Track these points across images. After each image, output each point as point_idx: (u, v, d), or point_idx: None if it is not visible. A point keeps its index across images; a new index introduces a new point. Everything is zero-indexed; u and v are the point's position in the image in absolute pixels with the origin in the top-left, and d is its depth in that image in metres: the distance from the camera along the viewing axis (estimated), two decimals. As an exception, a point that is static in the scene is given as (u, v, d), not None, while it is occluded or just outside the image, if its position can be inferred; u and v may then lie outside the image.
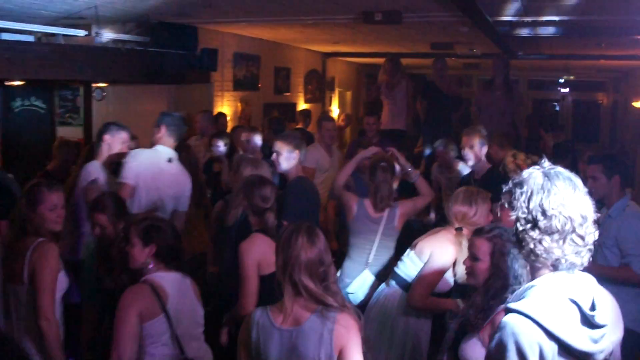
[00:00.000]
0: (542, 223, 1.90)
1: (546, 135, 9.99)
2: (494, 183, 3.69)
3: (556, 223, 1.88)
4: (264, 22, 7.75)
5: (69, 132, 8.10)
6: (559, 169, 1.98)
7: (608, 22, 6.88)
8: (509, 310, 1.89)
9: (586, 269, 1.96)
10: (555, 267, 1.93)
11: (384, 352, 3.96)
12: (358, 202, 4.64)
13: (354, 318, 2.54)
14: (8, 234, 3.56)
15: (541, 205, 1.90)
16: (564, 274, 1.92)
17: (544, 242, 1.90)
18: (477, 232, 3.05)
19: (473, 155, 5.10)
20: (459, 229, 3.80)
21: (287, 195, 4.47)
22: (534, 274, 1.99)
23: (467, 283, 3.25)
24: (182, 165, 4.88)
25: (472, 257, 3.00)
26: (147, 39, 7.08)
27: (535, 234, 1.91)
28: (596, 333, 1.85)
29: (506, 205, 2.02)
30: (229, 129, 7.86)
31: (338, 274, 4.29)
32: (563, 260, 1.91)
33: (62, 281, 3.40)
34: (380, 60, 13.21)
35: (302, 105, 11.64)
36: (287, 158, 4.58)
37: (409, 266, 3.94)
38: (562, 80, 16.63)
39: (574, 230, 1.89)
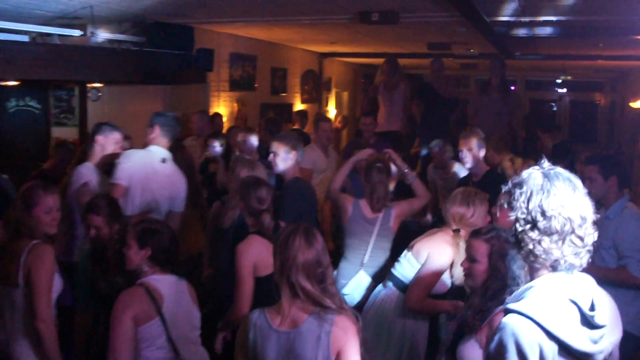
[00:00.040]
0: (541, 224, 1.90)
1: (543, 135, 10.02)
2: (493, 185, 3.69)
3: (555, 224, 1.88)
4: (260, 22, 7.74)
5: (64, 133, 8.09)
6: (559, 169, 1.98)
7: (606, 22, 6.89)
8: (508, 311, 1.89)
9: (583, 270, 1.96)
10: (554, 268, 1.93)
11: (380, 354, 3.96)
12: (353, 203, 4.65)
13: (352, 320, 2.53)
14: (2, 235, 3.54)
15: (541, 206, 1.90)
16: (563, 275, 1.93)
17: (543, 243, 1.91)
18: (475, 234, 3.05)
19: (471, 157, 5.10)
20: (456, 231, 3.80)
21: (283, 196, 4.47)
22: (532, 274, 1.99)
23: (464, 285, 3.25)
24: (177, 165, 4.87)
25: (470, 259, 3.00)
26: (142, 39, 7.07)
27: (534, 234, 1.92)
28: (596, 333, 1.85)
29: (505, 206, 2.02)
30: (225, 130, 7.86)
31: (334, 274, 4.29)
32: (562, 261, 1.91)
33: (57, 283, 3.39)
34: (377, 61, 13.23)
35: (298, 106, 11.63)
36: (284, 159, 4.59)
37: (406, 267, 3.95)
38: (559, 81, 16.66)
39: (573, 231, 1.89)
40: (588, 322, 1.84)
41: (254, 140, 6.15)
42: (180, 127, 8.34)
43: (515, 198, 1.96)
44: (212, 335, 3.60)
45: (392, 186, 5.58)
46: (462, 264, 3.11)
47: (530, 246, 1.93)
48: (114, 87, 8.12)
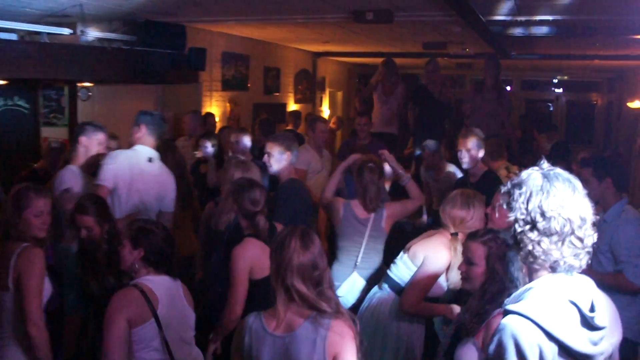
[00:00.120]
0: (541, 224, 1.91)
1: (540, 136, 10.07)
2: (491, 186, 3.71)
3: (555, 224, 1.89)
4: (253, 21, 7.75)
5: (54, 133, 8.06)
6: (558, 170, 1.99)
7: (602, 21, 6.93)
8: (507, 312, 1.90)
9: (581, 274, 1.97)
10: (553, 269, 1.94)
11: (376, 357, 3.96)
12: (344, 204, 4.67)
13: (349, 324, 2.51)
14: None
15: (540, 207, 1.91)
16: (563, 276, 1.94)
17: (542, 244, 1.91)
18: (472, 236, 3.06)
19: (469, 157, 5.10)
20: (454, 234, 3.80)
21: (278, 198, 4.47)
22: (531, 275, 1.99)
23: (460, 288, 3.26)
24: (168, 166, 4.85)
25: (468, 262, 3.01)
26: (133, 38, 7.05)
27: (533, 235, 1.92)
28: (596, 335, 1.86)
29: (504, 207, 2.02)
30: (217, 130, 7.86)
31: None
32: (562, 262, 1.92)
33: (47, 287, 3.37)
34: (372, 61, 13.26)
35: (292, 106, 11.64)
36: (278, 159, 4.60)
37: (402, 269, 3.95)
38: (555, 81, 16.72)
39: (573, 232, 1.90)
40: (588, 324, 1.85)
41: (246, 140, 6.15)
42: (172, 127, 8.41)
43: (515, 199, 1.97)
44: (203, 338, 3.60)
45: (387, 187, 5.62)
46: (459, 267, 3.11)
47: (530, 247, 1.94)
48: (104, 87, 8.10)
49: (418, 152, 8.02)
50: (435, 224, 4.41)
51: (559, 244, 1.91)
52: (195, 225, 5.52)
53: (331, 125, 10.88)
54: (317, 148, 6.53)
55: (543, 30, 7.61)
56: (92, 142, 4.59)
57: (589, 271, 2.02)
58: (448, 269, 3.82)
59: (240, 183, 3.77)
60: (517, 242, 1.98)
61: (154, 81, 7.38)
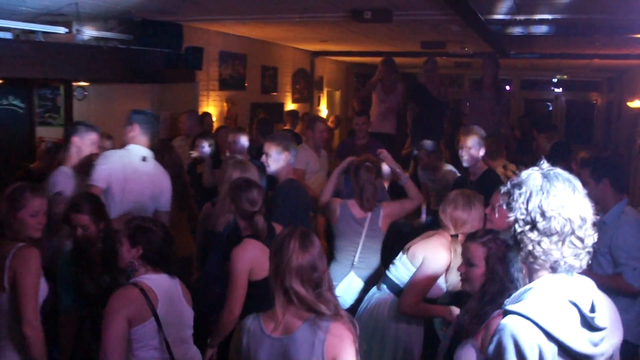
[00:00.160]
0: (541, 224, 1.91)
1: (539, 136, 10.07)
2: (491, 185, 3.71)
3: (555, 224, 1.90)
4: (250, 19, 7.74)
5: (49, 133, 8.05)
6: (558, 170, 1.99)
7: (602, 20, 6.93)
8: (507, 312, 1.90)
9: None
10: (554, 269, 1.94)
11: (374, 358, 3.96)
12: (341, 204, 4.70)
13: (348, 327, 2.49)
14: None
15: (540, 207, 1.91)
16: (563, 276, 1.94)
17: (542, 244, 1.92)
18: (472, 237, 3.05)
19: (469, 155, 5.10)
20: (455, 236, 3.80)
21: (276, 198, 4.47)
22: (531, 276, 2.00)
23: (459, 290, 3.25)
24: (165, 166, 4.84)
25: (467, 263, 3.01)
26: (129, 37, 7.05)
27: (534, 235, 1.93)
28: (596, 336, 1.86)
29: (504, 207, 2.03)
30: (214, 130, 7.86)
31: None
32: (562, 262, 1.92)
33: (43, 288, 3.36)
34: (370, 60, 13.26)
35: (289, 105, 11.64)
36: (275, 159, 4.61)
37: (401, 270, 3.95)
38: (555, 80, 16.74)
39: (573, 232, 1.91)
40: (588, 324, 1.86)
41: (244, 140, 6.15)
42: (169, 127, 8.40)
43: (515, 199, 1.97)
44: (201, 340, 3.59)
45: (386, 187, 5.62)
46: (459, 269, 3.11)
47: (530, 247, 1.94)
48: (100, 86, 8.09)
49: (416, 152, 8.03)
50: (435, 223, 4.42)
51: (559, 244, 1.91)
52: (192, 226, 5.52)
53: (329, 124, 10.89)
54: (315, 148, 6.54)
55: (542, 29, 7.61)
56: (84, 143, 4.57)
57: (588, 273, 2.03)
58: (447, 270, 3.82)
59: (237, 183, 3.77)
60: (517, 243, 1.99)
61: (151, 80, 7.37)
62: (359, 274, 4.58)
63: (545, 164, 2.02)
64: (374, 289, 4.18)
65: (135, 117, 4.65)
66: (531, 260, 1.96)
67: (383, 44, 10.42)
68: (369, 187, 4.59)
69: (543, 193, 1.92)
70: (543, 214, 1.91)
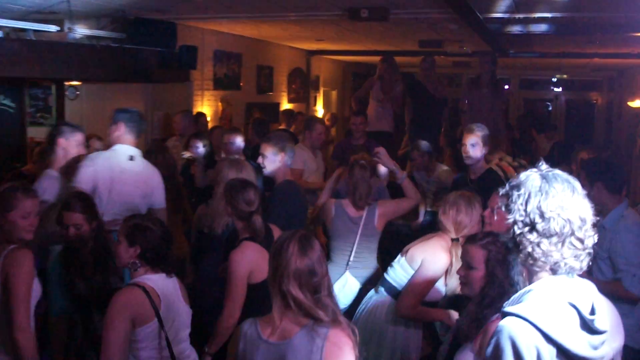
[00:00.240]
0: (540, 226, 1.91)
1: (538, 136, 10.08)
2: (491, 186, 3.70)
3: (554, 225, 1.90)
4: (246, 18, 7.74)
5: (40, 133, 8.01)
6: (557, 171, 2.00)
7: (602, 19, 6.95)
8: (505, 314, 1.90)
9: None
10: (554, 271, 1.94)
11: (372, 362, 3.96)
12: (335, 204, 4.72)
13: (347, 334, 2.46)
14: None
15: (539, 208, 1.92)
16: (564, 278, 1.94)
17: (542, 245, 1.92)
18: (471, 240, 3.05)
19: (471, 153, 5.08)
20: (455, 240, 3.80)
21: (273, 199, 4.47)
22: (531, 278, 2.00)
23: (458, 294, 3.24)
24: (156, 166, 4.83)
25: (467, 266, 3.00)
26: (122, 35, 7.04)
27: (533, 237, 1.93)
28: (596, 339, 1.86)
29: (503, 209, 2.02)
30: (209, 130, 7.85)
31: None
32: (562, 264, 1.92)
33: (36, 289, 3.33)
34: (367, 59, 13.26)
35: (285, 105, 11.64)
36: (272, 160, 4.61)
37: (399, 273, 3.95)
38: (555, 80, 16.76)
39: (573, 233, 1.91)
40: (588, 327, 1.86)
41: (240, 141, 6.15)
42: (162, 127, 8.39)
43: (513, 200, 1.97)
44: (197, 344, 3.58)
45: (384, 184, 5.64)
46: (458, 272, 3.11)
47: (529, 249, 1.94)
48: (92, 85, 8.07)
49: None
50: (433, 224, 4.41)
51: (559, 245, 1.91)
52: (186, 227, 5.51)
53: (325, 122, 10.89)
54: (311, 148, 6.55)
55: (542, 27, 7.62)
56: (70, 144, 4.53)
57: (588, 278, 2.03)
58: (447, 274, 3.82)
59: (232, 184, 3.75)
60: (516, 245, 1.99)
61: (144, 80, 7.36)
62: (354, 274, 4.59)
63: (544, 165, 2.02)
64: (372, 291, 4.18)
65: (120, 116, 4.62)
66: (531, 262, 1.96)
67: (380, 43, 10.43)
68: (362, 185, 4.61)
69: (542, 194, 1.93)
70: (542, 215, 1.91)
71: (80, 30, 6.67)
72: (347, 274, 4.58)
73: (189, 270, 4.96)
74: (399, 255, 4.02)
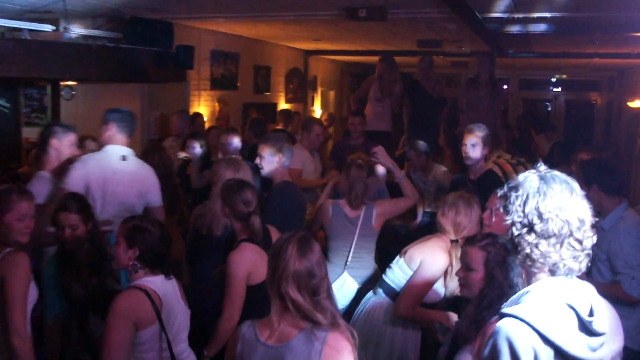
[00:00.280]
0: (538, 227, 1.92)
1: (538, 136, 10.09)
2: (491, 187, 3.70)
3: (553, 226, 1.90)
4: (243, 18, 7.74)
5: (36, 133, 7.99)
6: (555, 172, 2.00)
7: (602, 18, 6.95)
8: (503, 315, 1.91)
9: None
10: (552, 272, 1.95)
11: (370, 364, 3.96)
12: (333, 204, 4.75)
13: (347, 337, 2.45)
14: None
15: (537, 209, 1.92)
16: (562, 279, 1.95)
17: (540, 246, 1.92)
18: (470, 241, 3.05)
19: (471, 154, 5.08)
20: (455, 241, 3.81)
21: (271, 200, 4.47)
22: (530, 279, 2.00)
23: (457, 295, 3.24)
24: (153, 167, 4.82)
25: (466, 268, 3.00)
26: (119, 35, 7.04)
27: (531, 238, 1.93)
28: (594, 341, 1.86)
29: (501, 210, 2.03)
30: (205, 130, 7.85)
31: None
32: (561, 265, 1.93)
33: (32, 293, 3.29)
34: (365, 59, 13.24)
35: (282, 105, 11.64)
36: (269, 161, 4.62)
37: (398, 274, 3.95)
38: (554, 80, 16.76)
39: (571, 234, 1.91)
40: (586, 328, 1.86)
41: (237, 141, 6.15)
42: (159, 128, 8.38)
43: (511, 201, 1.98)
44: (196, 348, 3.57)
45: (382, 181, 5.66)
46: (457, 273, 3.11)
47: (528, 250, 1.95)
48: (88, 86, 8.07)
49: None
50: (430, 225, 4.41)
51: (557, 246, 1.92)
52: (183, 228, 5.50)
53: (323, 122, 10.89)
54: (309, 149, 6.56)
55: (541, 27, 7.63)
56: (63, 145, 4.50)
57: (587, 280, 2.03)
58: (446, 275, 3.82)
59: (229, 185, 3.74)
60: (514, 246, 1.99)
61: (140, 80, 7.36)
62: (352, 274, 4.60)
63: (542, 166, 2.02)
64: (370, 293, 4.18)
65: (111, 116, 4.60)
66: (529, 263, 1.97)
67: (378, 43, 10.43)
68: (358, 185, 4.63)
69: (540, 195, 1.93)
70: (540, 216, 1.92)
71: (76, 30, 6.67)
72: (346, 274, 4.59)
73: (185, 271, 4.96)
74: (398, 257, 4.02)
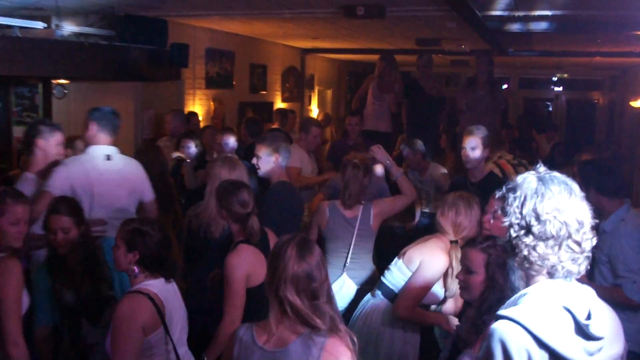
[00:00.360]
0: (536, 228, 1.92)
1: (539, 136, 10.11)
2: (494, 189, 3.70)
3: (550, 228, 1.90)
4: (238, 15, 7.74)
5: (27, 133, 7.99)
6: (555, 173, 2.01)
7: (604, 16, 6.96)
8: (498, 317, 1.91)
9: None
10: (551, 274, 1.95)
11: (368, 367, 3.96)
12: (329, 205, 4.75)
13: (346, 343, 2.43)
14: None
15: (535, 210, 1.92)
16: (561, 282, 1.95)
17: (538, 248, 1.93)
18: (471, 243, 3.05)
19: (471, 157, 5.06)
20: (454, 242, 3.81)
21: (267, 201, 4.46)
22: (528, 282, 2.01)
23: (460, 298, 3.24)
24: (148, 166, 4.80)
25: (466, 270, 3.00)
26: (112, 33, 7.02)
27: (529, 240, 1.94)
28: (592, 345, 1.86)
29: (499, 212, 2.03)
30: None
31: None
32: (559, 267, 1.93)
33: (24, 301, 3.24)
34: (363, 57, 13.26)
35: (279, 104, 11.64)
36: (266, 161, 4.62)
37: (397, 275, 3.95)
38: (555, 79, 16.79)
39: (569, 236, 1.91)
40: (583, 332, 1.86)
41: (233, 141, 6.15)
42: (153, 127, 8.37)
43: (509, 203, 1.99)
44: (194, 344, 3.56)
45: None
46: (457, 276, 3.10)
47: (525, 252, 1.95)
48: (81, 84, 8.05)
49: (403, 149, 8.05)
50: (428, 225, 4.41)
51: (556, 248, 1.92)
52: (177, 230, 5.49)
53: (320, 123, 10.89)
54: (306, 150, 6.56)
55: (542, 26, 7.64)
56: (49, 144, 4.43)
57: (589, 283, 2.03)
58: (446, 276, 3.82)
59: (224, 187, 3.72)
60: (512, 248, 2.00)
61: (134, 78, 7.35)
62: (351, 275, 4.61)
63: (542, 167, 2.02)
64: (368, 295, 4.19)
65: (91, 115, 4.55)
66: (527, 265, 1.97)
67: (377, 41, 10.44)
68: (353, 184, 4.63)
69: (538, 196, 1.94)
70: (538, 218, 1.92)
71: (68, 27, 6.65)
72: (345, 276, 4.59)
73: (180, 272, 4.95)
74: (396, 258, 4.03)
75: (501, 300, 2.65)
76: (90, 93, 8.08)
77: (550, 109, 17.29)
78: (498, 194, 2.05)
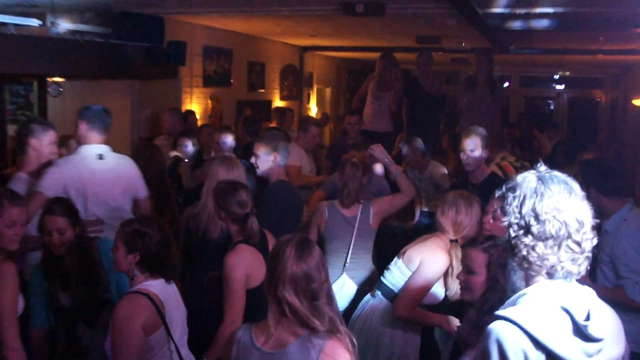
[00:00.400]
0: (535, 228, 1.92)
1: (540, 135, 10.10)
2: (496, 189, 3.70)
3: (550, 228, 1.90)
4: (236, 12, 7.74)
5: (21, 132, 7.99)
6: (555, 172, 2.00)
7: (606, 14, 6.97)
8: (496, 317, 1.91)
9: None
10: (550, 275, 1.95)
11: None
12: (328, 205, 4.75)
13: (345, 345, 2.42)
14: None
15: (534, 210, 1.92)
16: (560, 282, 1.95)
17: (537, 249, 1.92)
18: (471, 243, 3.05)
19: (471, 158, 5.05)
20: (454, 241, 3.81)
21: (265, 200, 4.46)
22: (528, 282, 2.01)
23: (457, 299, 3.23)
24: (146, 165, 4.79)
25: (467, 270, 2.99)
26: (108, 30, 7.02)
27: (528, 240, 1.93)
28: (590, 347, 1.86)
29: (499, 211, 2.03)
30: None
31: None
32: (559, 267, 1.93)
33: (19, 305, 3.23)
34: (362, 55, 13.26)
35: (277, 103, 11.64)
36: (264, 160, 4.63)
37: (396, 275, 3.95)
38: (557, 77, 16.80)
39: (569, 236, 1.91)
40: (581, 333, 1.86)
41: (230, 140, 6.15)
42: (150, 126, 8.36)
43: (509, 202, 1.98)
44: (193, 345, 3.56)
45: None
46: (458, 276, 3.10)
47: (524, 252, 1.95)
48: (76, 82, 8.04)
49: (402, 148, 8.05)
50: (427, 224, 4.41)
51: (555, 248, 1.92)
52: (174, 230, 5.49)
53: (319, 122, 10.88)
54: (305, 149, 6.57)
55: (543, 23, 7.65)
56: (42, 144, 4.40)
57: (591, 284, 2.02)
58: (446, 276, 3.82)
59: (222, 187, 3.71)
60: (511, 247, 2.00)
61: (130, 76, 7.35)
62: (351, 275, 4.61)
63: (542, 167, 2.02)
64: (368, 295, 4.19)
65: (82, 114, 4.54)
66: (526, 265, 1.97)
67: (376, 39, 10.44)
68: (352, 183, 4.64)
69: (537, 196, 1.93)
70: (537, 218, 1.92)
71: (64, 25, 6.64)
72: (345, 276, 4.59)
73: (178, 272, 4.94)
74: (396, 258, 4.03)
75: (503, 301, 2.65)
76: (86, 91, 8.07)
77: (552, 107, 17.29)
78: (498, 193, 2.06)
